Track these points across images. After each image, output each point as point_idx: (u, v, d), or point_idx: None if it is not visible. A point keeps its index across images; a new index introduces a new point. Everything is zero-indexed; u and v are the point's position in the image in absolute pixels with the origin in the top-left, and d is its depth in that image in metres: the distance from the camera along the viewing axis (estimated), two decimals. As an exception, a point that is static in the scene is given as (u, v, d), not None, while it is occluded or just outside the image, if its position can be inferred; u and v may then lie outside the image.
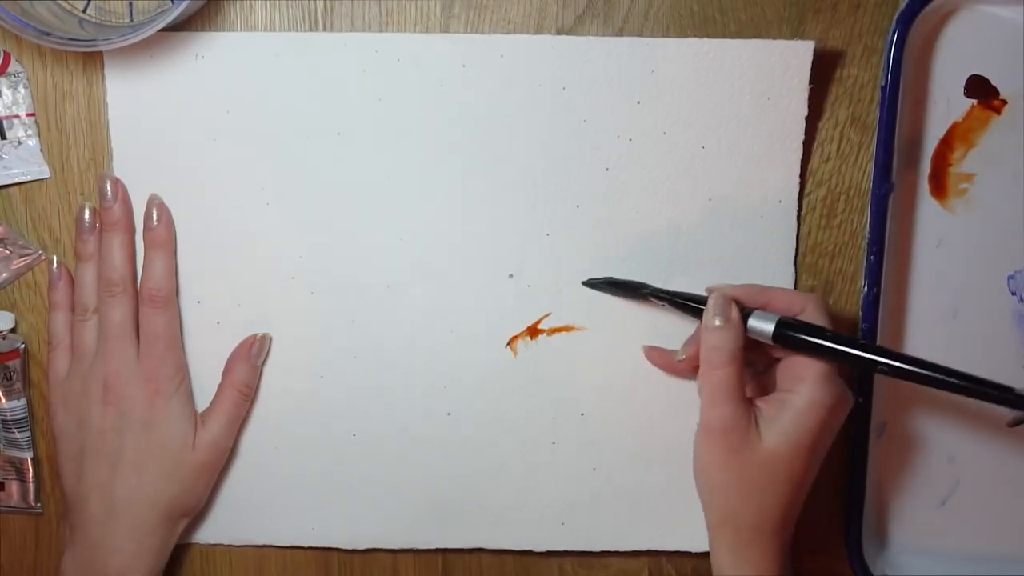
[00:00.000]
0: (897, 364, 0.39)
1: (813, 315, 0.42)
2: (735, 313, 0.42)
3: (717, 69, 0.46)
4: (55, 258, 0.48)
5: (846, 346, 0.40)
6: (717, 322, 0.42)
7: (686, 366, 0.44)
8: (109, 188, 0.46)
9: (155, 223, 0.47)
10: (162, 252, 0.47)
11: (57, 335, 0.48)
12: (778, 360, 0.44)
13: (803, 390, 0.41)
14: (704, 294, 0.44)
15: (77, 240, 0.47)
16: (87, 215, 0.47)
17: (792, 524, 0.43)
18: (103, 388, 0.46)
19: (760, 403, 0.42)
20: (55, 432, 0.48)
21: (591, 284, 0.47)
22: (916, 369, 0.39)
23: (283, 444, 0.49)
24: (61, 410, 0.47)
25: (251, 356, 0.47)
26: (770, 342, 0.41)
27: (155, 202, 0.47)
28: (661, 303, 0.46)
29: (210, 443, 0.47)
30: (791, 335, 0.41)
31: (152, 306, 0.46)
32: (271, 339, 0.48)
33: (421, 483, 0.49)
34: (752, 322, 0.42)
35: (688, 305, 0.44)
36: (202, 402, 0.48)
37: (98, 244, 0.47)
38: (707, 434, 0.42)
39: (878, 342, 0.47)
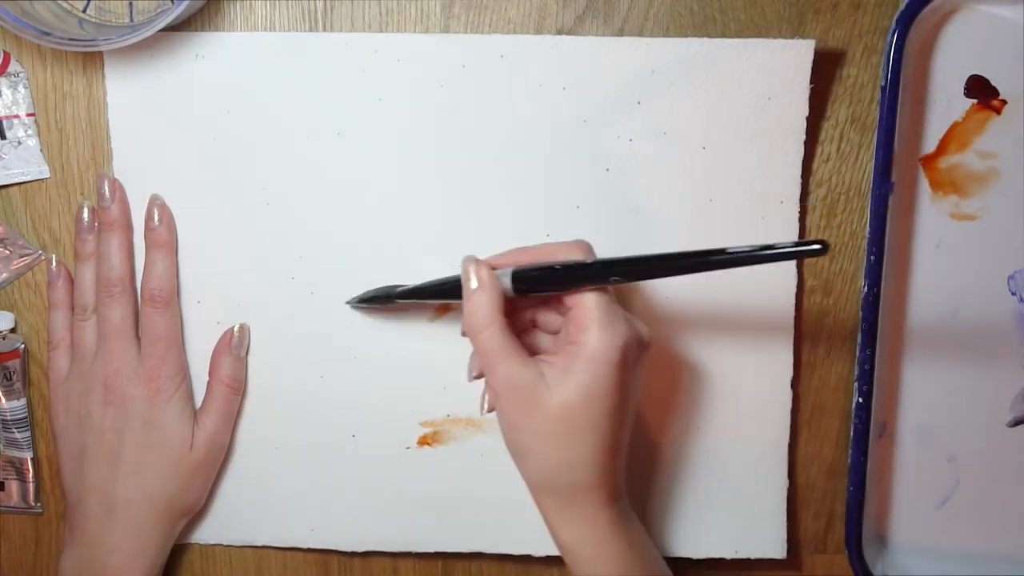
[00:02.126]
0: (626, 268, 0.38)
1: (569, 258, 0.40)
2: (485, 273, 0.40)
3: (717, 69, 0.46)
4: (54, 257, 0.48)
5: (576, 270, 0.38)
6: (472, 285, 0.40)
7: (478, 377, 0.42)
8: (107, 188, 0.46)
9: (156, 223, 0.47)
10: (163, 252, 0.47)
11: (57, 334, 0.48)
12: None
13: (585, 338, 0.38)
14: (455, 275, 0.42)
15: (76, 239, 0.47)
16: (86, 214, 0.47)
17: (613, 472, 0.40)
18: (103, 388, 0.46)
19: (547, 358, 0.40)
20: (55, 431, 0.48)
21: (351, 304, 0.47)
22: (640, 267, 0.38)
23: (283, 445, 0.49)
24: (61, 410, 0.47)
25: (232, 349, 0.47)
26: (512, 294, 0.40)
27: (156, 202, 0.47)
28: (411, 300, 0.45)
29: (207, 441, 0.47)
30: (526, 279, 0.39)
31: (153, 306, 0.46)
32: (250, 329, 0.48)
33: (421, 485, 0.49)
34: (497, 274, 0.40)
35: (441, 291, 0.43)
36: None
37: (97, 243, 0.47)
38: (497, 400, 0.40)
39: (878, 342, 0.47)
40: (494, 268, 0.40)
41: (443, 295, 0.43)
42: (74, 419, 0.47)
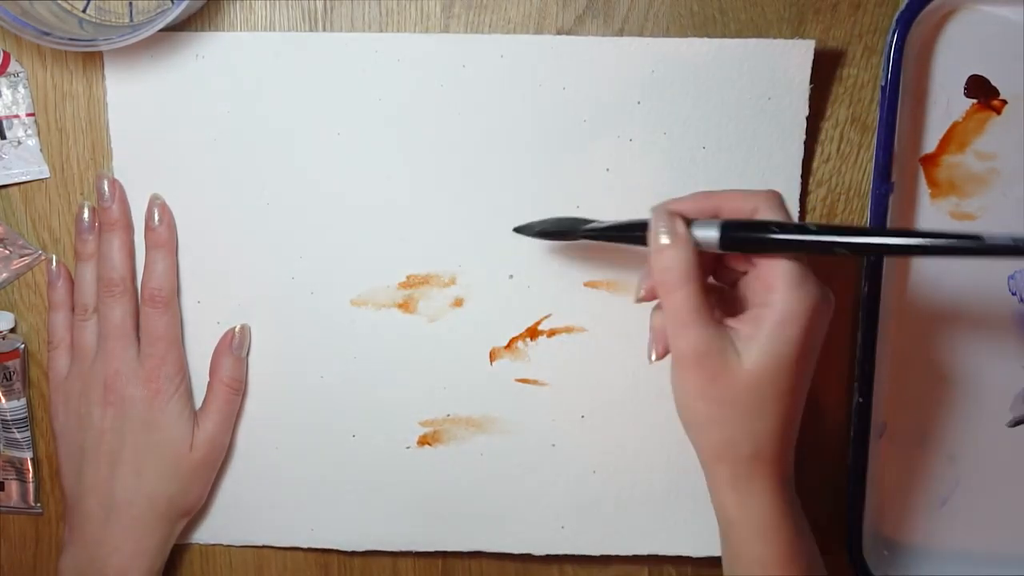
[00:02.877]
0: (854, 240, 0.36)
1: (766, 214, 0.38)
2: (681, 227, 0.38)
3: (717, 69, 0.46)
4: (54, 257, 0.48)
5: (797, 234, 0.36)
6: (664, 240, 0.38)
7: (648, 300, 0.40)
8: (107, 187, 0.46)
9: (156, 223, 0.47)
10: (164, 252, 0.47)
11: (57, 335, 0.48)
12: (745, 274, 0.40)
13: (776, 299, 0.37)
14: (646, 218, 0.40)
15: (76, 239, 0.47)
16: (86, 214, 0.47)
17: (791, 448, 0.39)
18: (103, 388, 0.46)
19: (732, 323, 0.38)
20: (55, 431, 0.48)
21: (521, 230, 0.46)
22: (875, 240, 0.36)
23: (283, 444, 0.49)
24: (61, 410, 0.47)
25: (233, 349, 0.47)
26: (717, 250, 0.38)
27: (156, 202, 0.47)
28: (599, 241, 0.43)
29: (207, 441, 0.47)
30: (738, 236, 0.37)
31: (153, 306, 0.46)
32: (250, 329, 0.48)
33: (421, 485, 0.49)
34: (696, 232, 0.38)
35: (630, 235, 0.40)
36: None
37: (98, 243, 0.47)
38: (681, 365, 0.38)
39: (878, 342, 0.47)
40: (685, 218, 0.38)
41: (635, 240, 0.40)
42: (74, 419, 0.47)
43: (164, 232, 0.47)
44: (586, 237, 0.43)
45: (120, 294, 0.46)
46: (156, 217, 0.47)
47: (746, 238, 0.37)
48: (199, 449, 0.47)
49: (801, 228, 0.36)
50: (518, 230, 0.46)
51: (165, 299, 0.46)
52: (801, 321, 0.37)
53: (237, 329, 0.48)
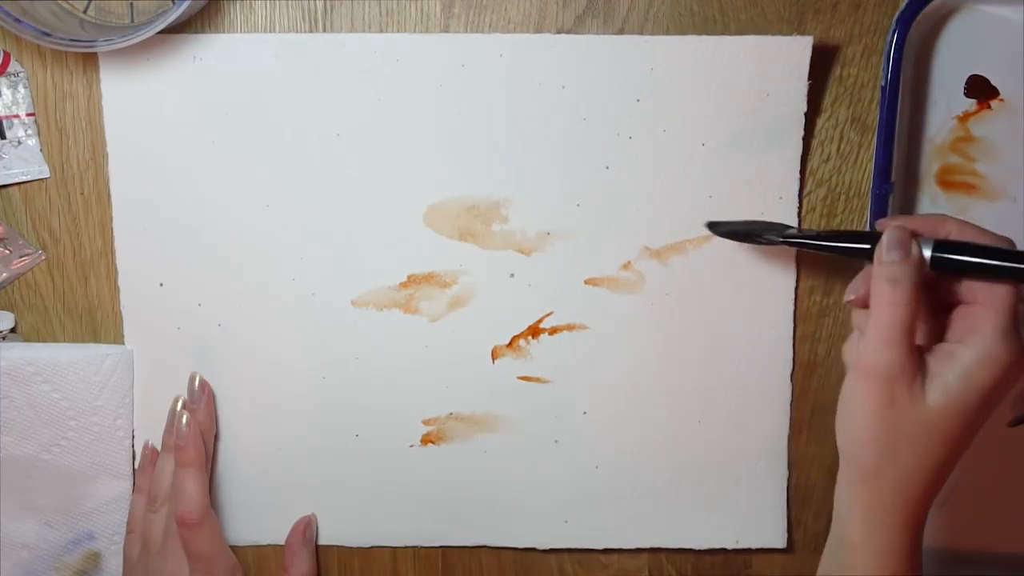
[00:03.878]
0: None
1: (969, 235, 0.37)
2: (916, 248, 0.37)
3: (716, 66, 0.46)
4: (148, 441, 0.49)
5: (1014, 261, 0.35)
6: (895, 255, 0.37)
7: (858, 306, 0.39)
8: (197, 387, 0.48)
9: (184, 442, 0.46)
10: (192, 470, 0.46)
11: (134, 519, 0.48)
12: (949, 310, 0.38)
13: (976, 342, 0.35)
14: (868, 231, 0.39)
15: (166, 431, 0.48)
16: (179, 406, 0.47)
17: (936, 493, 0.38)
18: None
19: (926, 354, 0.37)
20: None
21: (712, 227, 0.46)
22: None
23: (285, 445, 0.49)
24: None
25: (307, 541, 0.48)
26: (928, 269, 0.37)
27: (182, 418, 0.46)
28: (797, 248, 0.42)
29: None
30: (949, 262, 0.36)
31: (187, 529, 0.45)
32: (317, 520, 0.49)
33: (424, 483, 0.49)
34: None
35: (839, 247, 0.40)
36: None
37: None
38: (866, 379, 0.37)
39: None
40: (917, 236, 0.37)
41: (843, 251, 0.40)
42: None
43: (192, 452, 0.46)
44: (788, 243, 0.43)
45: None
46: (184, 434, 0.46)
47: (958, 260, 0.36)
48: None
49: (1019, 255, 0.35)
50: (710, 226, 0.46)
51: (196, 522, 0.45)
52: (994, 371, 0.35)
53: (306, 519, 0.49)
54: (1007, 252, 0.36)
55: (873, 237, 0.38)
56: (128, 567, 0.48)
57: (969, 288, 0.37)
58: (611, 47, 0.46)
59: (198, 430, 0.47)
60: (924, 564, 0.49)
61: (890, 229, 0.38)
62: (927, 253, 0.37)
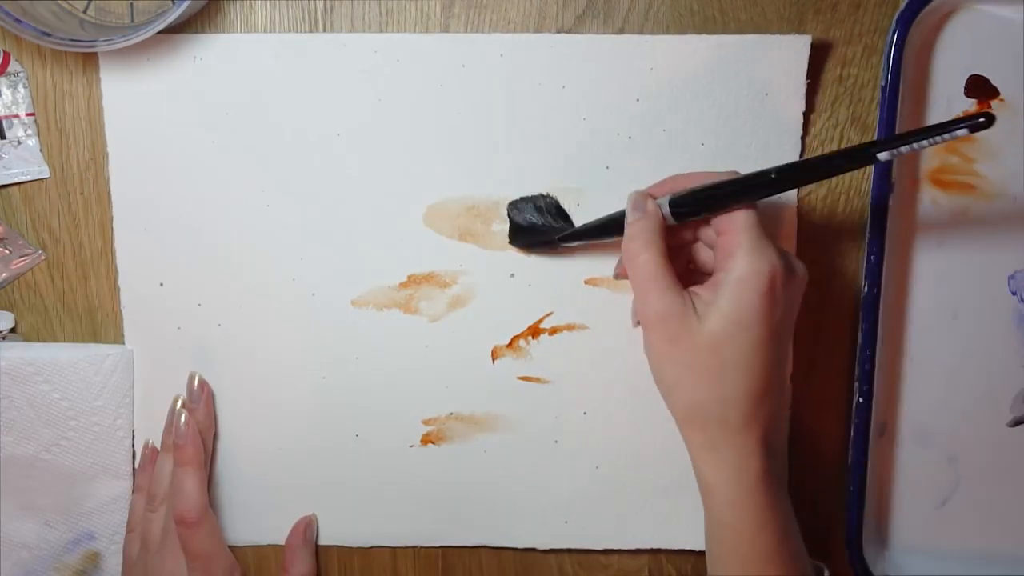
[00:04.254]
0: (778, 176, 0.38)
1: None
2: (651, 204, 0.41)
3: (715, 66, 0.46)
4: (149, 440, 0.49)
5: (728, 185, 0.39)
6: (634, 215, 0.41)
7: (623, 277, 0.44)
8: (196, 387, 0.48)
9: (183, 440, 0.46)
10: (191, 469, 0.46)
11: (134, 519, 0.48)
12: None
13: (733, 265, 0.38)
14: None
15: (165, 430, 0.48)
16: (179, 405, 0.47)
17: (767, 416, 0.39)
18: None
19: (697, 290, 0.39)
20: None
21: (513, 243, 0.47)
22: (796, 171, 0.39)
23: (285, 445, 0.49)
24: None
25: (307, 541, 0.49)
26: (672, 221, 0.40)
27: (181, 417, 0.47)
28: (579, 242, 0.45)
29: None
30: (682, 203, 0.40)
31: (186, 527, 0.45)
32: (317, 520, 0.49)
33: (425, 483, 0.49)
34: (657, 203, 0.41)
35: (601, 229, 0.44)
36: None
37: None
38: (646, 329, 0.40)
39: (878, 342, 0.47)
40: (654, 197, 0.41)
41: (605, 233, 0.44)
42: None
43: (191, 451, 0.46)
44: (564, 240, 0.45)
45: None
46: (183, 433, 0.46)
47: (690, 203, 0.40)
48: None
49: (733, 182, 0.39)
50: (513, 242, 0.47)
51: (195, 521, 0.45)
52: (758, 284, 0.37)
53: (307, 519, 0.49)
54: (727, 182, 0.39)
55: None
56: (127, 566, 0.48)
57: (716, 224, 0.39)
58: (611, 47, 0.46)
59: (197, 429, 0.47)
60: (924, 564, 0.50)
61: (629, 197, 0.41)
62: (666, 209, 0.40)
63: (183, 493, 0.45)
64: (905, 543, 0.50)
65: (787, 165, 0.39)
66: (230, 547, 0.49)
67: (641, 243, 0.39)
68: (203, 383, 0.48)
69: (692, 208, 0.40)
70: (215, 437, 0.49)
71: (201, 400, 0.48)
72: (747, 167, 0.46)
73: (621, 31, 0.47)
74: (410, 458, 0.49)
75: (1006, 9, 0.46)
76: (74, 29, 0.44)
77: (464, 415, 0.49)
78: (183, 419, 0.46)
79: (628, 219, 0.41)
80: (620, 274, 0.45)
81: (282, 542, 0.50)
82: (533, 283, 0.48)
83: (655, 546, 0.50)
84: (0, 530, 0.48)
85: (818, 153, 0.48)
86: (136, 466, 0.49)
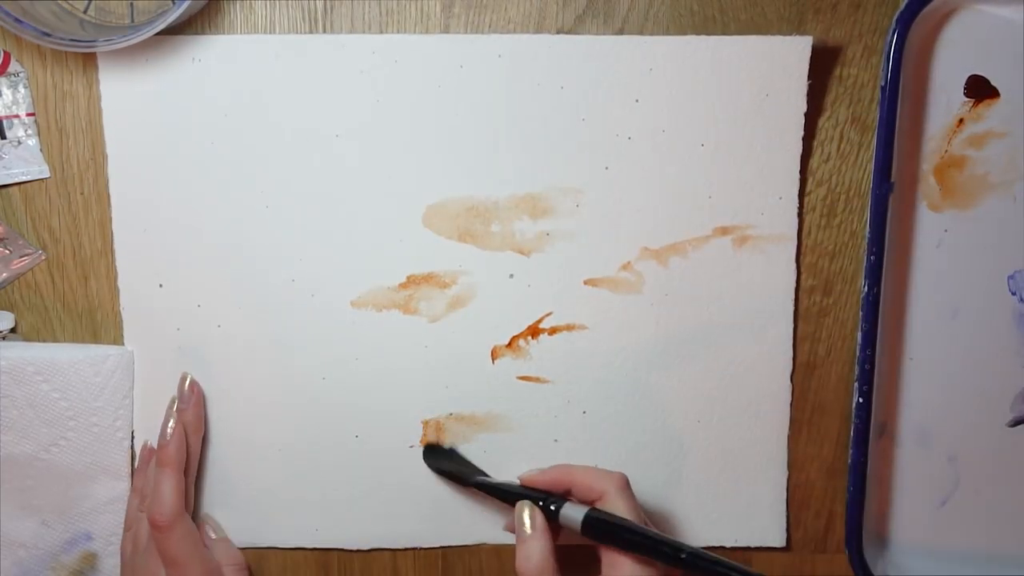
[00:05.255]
0: (687, 558, 0.39)
1: (614, 498, 0.43)
2: (540, 520, 0.43)
3: (715, 66, 0.46)
4: (147, 441, 0.48)
5: (651, 545, 0.40)
6: (527, 530, 0.43)
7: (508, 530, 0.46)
8: (187, 389, 0.47)
9: (164, 441, 0.46)
10: (168, 471, 0.45)
11: (129, 518, 0.48)
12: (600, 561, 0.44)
13: None
14: (517, 483, 0.45)
15: (162, 427, 0.47)
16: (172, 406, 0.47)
17: None
18: None
19: None
20: None
21: (429, 465, 0.49)
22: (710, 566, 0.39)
23: (286, 447, 0.49)
24: None
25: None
26: (579, 533, 0.42)
27: (172, 417, 0.47)
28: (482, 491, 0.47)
29: None
30: (597, 529, 0.42)
31: (157, 531, 0.45)
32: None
33: (424, 483, 0.49)
34: (564, 511, 0.43)
35: (510, 498, 0.45)
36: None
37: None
38: None
39: (878, 342, 0.47)
40: (542, 490, 0.44)
41: (507, 499, 0.45)
42: None
43: (172, 451, 0.46)
44: (477, 487, 0.47)
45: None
46: (168, 432, 0.46)
47: (603, 533, 0.41)
48: None
49: (652, 540, 0.40)
50: (427, 463, 0.49)
51: (167, 525, 0.44)
52: None
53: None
54: (647, 539, 0.40)
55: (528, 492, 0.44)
56: (122, 565, 0.48)
57: (614, 560, 0.42)
58: (611, 47, 0.46)
59: (182, 431, 0.46)
60: (924, 564, 0.50)
61: (518, 505, 0.43)
62: (576, 518, 0.42)
63: (156, 495, 0.45)
64: (905, 543, 0.50)
65: (699, 552, 0.39)
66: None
67: (535, 564, 0.41)
68: (194, 384, 0.48)
69: (604, 539, 0.42)
70: (205, 439, 0.49)
71: (191, 401, 0.47)
72: (747, 167, 0.47)
73: (621, 31, 0.47)
74: (410, 458, 0.49)
75: (1006, 9, 0.46)
76: (74, 29, 0.44)
77: (464, 415, 0.49)
78: (171, 422, 0.46)
79: (519, 532, 0.43)
80: (508, 528, 0.46)
81: (282, 543, 0.49)
82: (533, 283, 0.48)
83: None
84: (-1, 529, 0.48)
85: (818, 154, 0.48)
86: (135, 467, 0.49)
